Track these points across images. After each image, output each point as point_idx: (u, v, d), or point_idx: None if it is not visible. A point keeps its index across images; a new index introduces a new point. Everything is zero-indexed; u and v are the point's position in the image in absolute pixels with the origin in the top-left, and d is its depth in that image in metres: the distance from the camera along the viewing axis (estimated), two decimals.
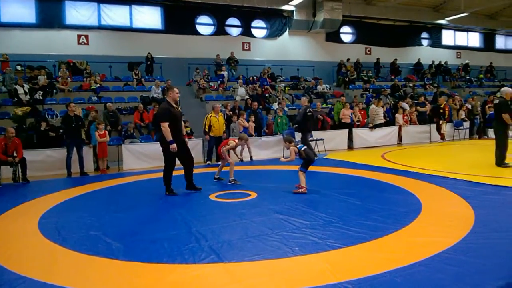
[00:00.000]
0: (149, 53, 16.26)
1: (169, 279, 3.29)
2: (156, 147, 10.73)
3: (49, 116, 11.83)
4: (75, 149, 9.48)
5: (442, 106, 14.58)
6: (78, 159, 9.51)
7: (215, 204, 5.96)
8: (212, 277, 3.29)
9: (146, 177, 8.95)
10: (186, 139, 7.02)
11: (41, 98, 12.84)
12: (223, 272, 3.38)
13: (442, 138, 14.59)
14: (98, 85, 14.47)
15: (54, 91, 13.58)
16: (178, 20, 17.75)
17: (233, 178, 7.55)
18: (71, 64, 15.19)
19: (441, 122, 14.49)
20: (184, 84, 16.86)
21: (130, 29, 17.04)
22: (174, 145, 6.37)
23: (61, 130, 10.42)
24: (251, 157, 11.18)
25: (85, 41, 16.31)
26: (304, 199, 6.05)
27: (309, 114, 10.82)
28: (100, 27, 16.49)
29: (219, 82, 16.63)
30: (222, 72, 17.01)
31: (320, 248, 3.80)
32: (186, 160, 6.82)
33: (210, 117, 10.69)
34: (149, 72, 16.50)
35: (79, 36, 16.20)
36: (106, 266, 3.61)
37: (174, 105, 6.63)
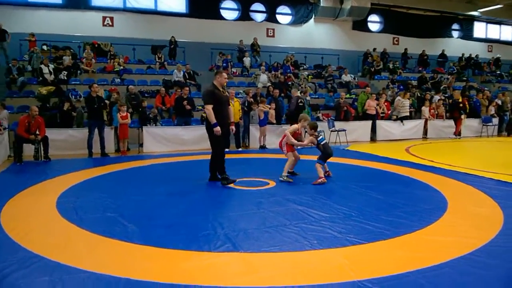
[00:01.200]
0: (172, 36, 16.21)
1: (183, 266, 3.22)
2: (177, 131, 10.84)
3: (73, 96, 11.96)
4: (96, 130, 9.54)
5: (460, 100, 14.01)
6: (99, 140, 9.58)
7: (232, 192, 5.88)
8: (227, 266, 3.21)
9: (165, 160, 8.95)
10: (232, 127, 6.70)
11: (65, 78, 12.98)
12: (239, 261, 3.29)
13: (458, 134, 13.98)
14: (122, 67, 14.53)
15: (78, 71, 13.73)
16: (202, 4, 17.63)
17: (286, 174, 6.57)
18: (96, 45, 15.29)
19: (462, 116, 13.93)
20: (207, 69, 16.78)
21: (154, 12, 17.03)
22: (218, 128, 6.04)
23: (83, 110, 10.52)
24: (264, 145, 11.06)
25: (110, 23, 16.39)
26: (324, 190, 5.89)
27: (300, 104, 10.99)
28: (125, 9, 16.54)
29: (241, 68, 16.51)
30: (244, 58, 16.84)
31: (340, 243, 3.67)
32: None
33: None
34: (172, 56, 16.47)
35: (104, 18, 16.28)
36: (120, 249, 3.58)
37: (221, 89, 6.34)
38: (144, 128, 10.57)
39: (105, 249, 3.59)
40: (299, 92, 12.36)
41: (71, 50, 14.65)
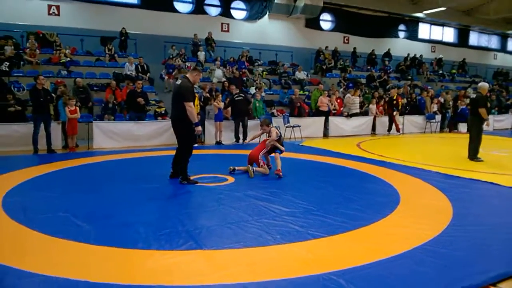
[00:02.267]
0: (123, 28, 15.59)
1: (145, 266, 3.11)
2: (129, 126, 10.48)
3: (16, 89, 11.18)
4: (42, 125, 8.99)
5: (395, 98, 14.73)
6: (46, 136, 9.03)
7: (191, 188, 5.76)
8: (191, 264, 3.15)
9: (117, 157, 8.61)
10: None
11: (7, 69, 12.09)
12: (203, 259, 3.24)
13: (398, 130, 14.59)
14: (68, 59, 13.77)
15: (22, 63, 12.83)
16: None
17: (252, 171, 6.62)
18: (40, 35, 14.36)
19: (394, 113, 14.55)
20: (159, 63, 16.35)
21: (104, 2, 16.26)
22: (200, 127, 6.03)
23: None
24: (220, 141, 11.00)
25: (56, 12, 15.44)
26: (283, 185, 5.96)
27: (237, 99, 11.28)
28: None
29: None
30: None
31: (302, 237, 3.73)
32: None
33: None
34: (123, 48, 15.85)
35: (49, 7, 15.32)
36: (76, 250, 3.39)
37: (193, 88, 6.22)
38: (94, 123, 10.12)
39: (59, 251, 3.39)
40: (254, 88, 12.45)
41: (14, 40, 13.64)
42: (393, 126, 14.52)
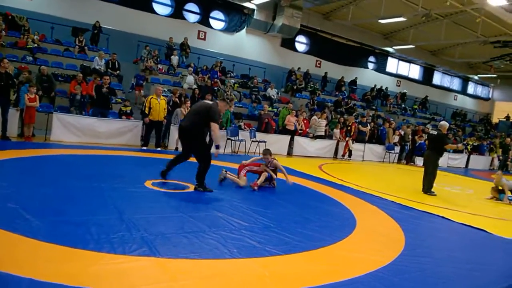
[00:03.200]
0: (97, 21, 15.22)
1: (94, 268, 2.97)
2: (92, 122, 10.13)
3: None
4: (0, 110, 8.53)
5: (350, 124, 15.21)
6: (2, 121, 8.58)
7: (150, 192, 5.63)
8: (142, 271, 3.03)
9: (75, 152, 8.29)
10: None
11: None
12: (156, 267, 3.14)
13: (344, 154, 14.83)
14: (36, 45, 13.24)
15: None
16: None
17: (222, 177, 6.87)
18: (9, 17, 13.73)
19: (347, 139, 14.91)
20: (131, 62, 16.06)
21: None
22: (220, 151, 6.32)
23: None
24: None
25: None
26: (244, 199, 5.94)
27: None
28: None
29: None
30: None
31: (258, 253, 3.70)
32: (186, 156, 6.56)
33: (151, 99, 10.26)
34: (95, 42, 15.45)
35: None
36: (22, 245, 3.19)
37: None
38: (55, 114, 9.71)
39: (3, 244, 3.18)
40: (227, 99, 12.37)
41: None
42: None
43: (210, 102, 6.39)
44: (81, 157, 7.92)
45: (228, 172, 6.92)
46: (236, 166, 7.22)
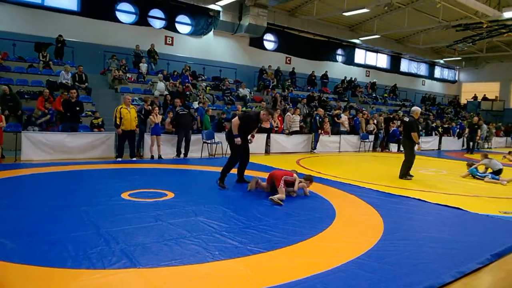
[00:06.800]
0: (60, 35, 14.86)
1: (73, 286, 2.91)
2: (62, 137, 9.89)
3: None
4: None
5: (321, 117, 15.28)
6: None
7: (127, 204, 5.53)
8: (124, 284, 3.00)
9: (47, 169, 8.07)
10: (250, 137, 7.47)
11: None
12: (137, 278, 3.09)
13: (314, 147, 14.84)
14: None
15: None
16: (96, 4, 16.46)
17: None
18: None
19: (319, 131, 14.92)
20: (98, 73, 15.75)
21: (40, 7, 15.36)
22: (239, 139, 6.95)
23: None
24: (160, 156, 10.70)
25: None
26: (222, 201, 5.93)
27: (181, 113, 11.26)
28: (5, 1, 14.58)
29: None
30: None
31: (241, 253, 3.70)
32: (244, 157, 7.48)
33: (121, 109, 10.07)
34: (59, 56, 15.08)
35: None
36: None
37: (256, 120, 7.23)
38: (23, 133, 9.43)
39: None
40: (197, 103, 12.37)
41: None
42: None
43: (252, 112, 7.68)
44: (53, 174, 7.71)
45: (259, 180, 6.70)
46: (213, 168, 7.13)
